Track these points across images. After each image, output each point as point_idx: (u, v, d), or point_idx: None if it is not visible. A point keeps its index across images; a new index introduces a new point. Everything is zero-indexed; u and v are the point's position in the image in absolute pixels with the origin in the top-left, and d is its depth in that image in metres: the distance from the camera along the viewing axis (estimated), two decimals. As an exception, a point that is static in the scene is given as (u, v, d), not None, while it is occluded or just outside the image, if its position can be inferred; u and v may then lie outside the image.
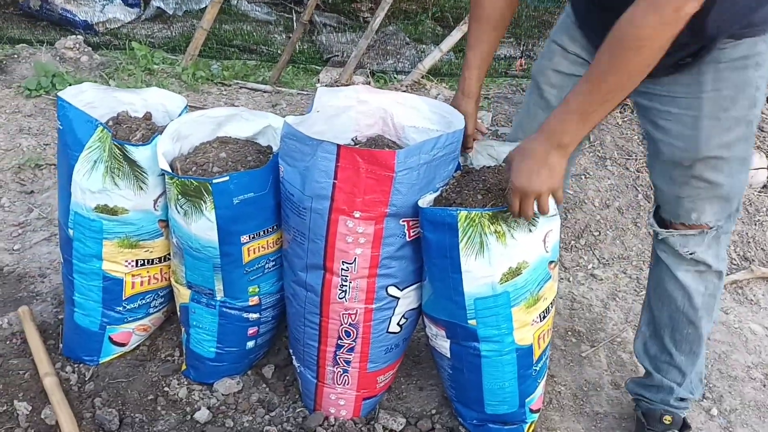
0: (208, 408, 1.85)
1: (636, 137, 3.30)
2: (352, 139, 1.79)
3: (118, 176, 1.73)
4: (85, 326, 1.92)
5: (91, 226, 1.79)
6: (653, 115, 1.59)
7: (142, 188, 1.75)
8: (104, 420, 1.76)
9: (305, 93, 3.96)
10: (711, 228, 1.63)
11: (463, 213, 1.48)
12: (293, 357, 1.87)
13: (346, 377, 1.77)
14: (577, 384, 2.10)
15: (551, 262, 1.65)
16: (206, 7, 4.42)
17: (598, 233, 2.80)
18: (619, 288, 2.57)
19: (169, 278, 1.92)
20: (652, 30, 1.24)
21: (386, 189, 1.50)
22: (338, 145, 1.47)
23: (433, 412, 1.92)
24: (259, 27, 5.62)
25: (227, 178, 1.61)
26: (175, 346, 2.05)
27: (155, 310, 2.00)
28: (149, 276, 1.91)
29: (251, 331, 1.87)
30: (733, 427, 2.01)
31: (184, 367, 1.95)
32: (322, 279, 1.63)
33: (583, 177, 2.98)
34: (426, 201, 1.56)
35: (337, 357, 1.74)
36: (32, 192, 2.77)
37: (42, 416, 1.76)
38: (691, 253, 1.66)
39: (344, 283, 1.61)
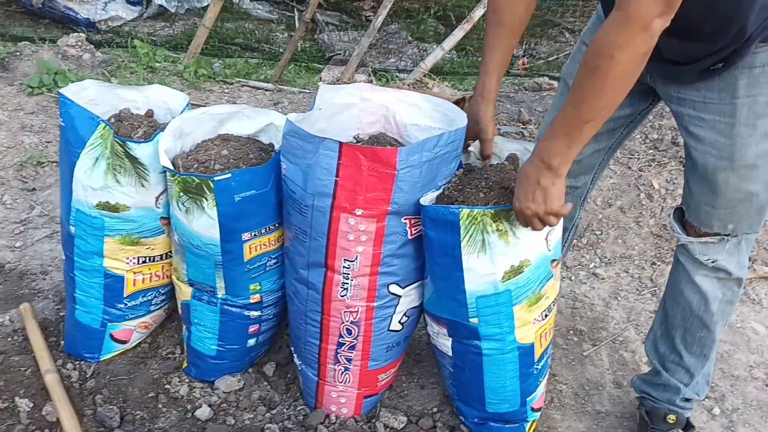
0: (209, 405, 1.85)
1: (638, 137, 3.29)
2: (354, 137, 1.79)
3: (120, 173, 1.73)
4: (86, 323, 1.92)
5: (93, 223, 1.79)
6: (686, 122, 1.55)
7: (143, 185, 1.75)
8: (105, 417, 1.76)
9: (307, 91, 3.96)
10: (735, 236, 1.60)
11: (465, 211, 1.48)
12: (294, 355, 1.86)
13: (347, 375, 1.77)
14: (579, 383, 2.09)
15: (553, 260, 1.65)
16: (208, 5, 4.42)
17: (600, 232, 2.79)
18: (621, 287, 2.56)
19: (171, 275, 1.92)
20: (623, 43, 1.21)
21: (388, 187, 1.50)
22: (340, 143, 1.47)
23: (435, 410, 1.91)
24: (261, 25, 5.62)
25: (229, 175, 1.61)
26: (176, 343, 2.05)
27: (156, 307, 2.00)
28: (150, 273, 1.91)
29: (252, 328, 1.87)
30: (734, 427, 2.01)
31: (185, 364, 1.95)
32: (323, 277, 1.63)
33: (585, 176, 2.97)
34: (428, 199, 1.56)
35: (339, 355, 1.74)
36: (34, 189, 2.77)
37: (43, 413, 1.76)
38: (712, 261, 1.63)
39: (346, 281, 1.61)
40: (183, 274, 1.81)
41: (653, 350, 1.85)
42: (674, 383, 1.80)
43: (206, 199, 1.63)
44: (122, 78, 3.78)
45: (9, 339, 2.00)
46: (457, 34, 4.26)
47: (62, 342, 2.00)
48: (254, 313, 1.84)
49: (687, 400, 1.83)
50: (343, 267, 1.59)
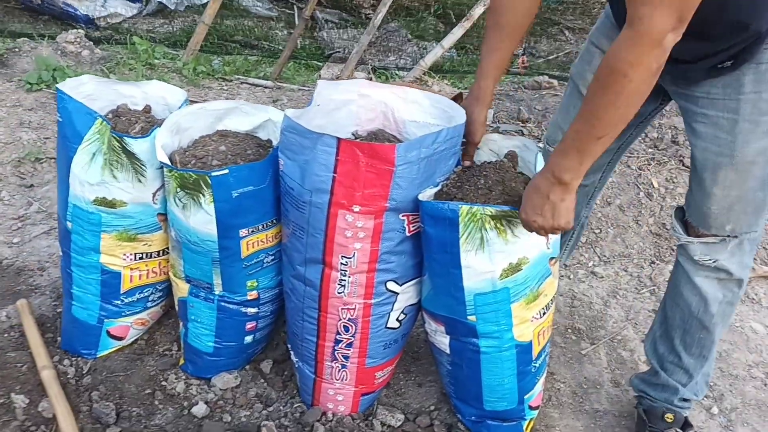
0: (206, 402, 1.84)
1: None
2: (353, 133, 1.78)
3: (117, 169, 1.72)
4: (83, 319, 1.91)
5: (90, 218, 1.78)
6: (689, 118, 1.54)
7: (140, 181, 1.74)
8: (101, 413, 1.75)
9: (306, 89, 3.95)
10: (735, 237, 1.59)
11: (464, 208, 1.47)
12: (291, 352, 1.86)
13: (344, 372, 1.76)
14: (577, 381, 2.09)
15: (552, 258, 1.64)
16: (208, 2, 4.41)
17: (599, 231, 2.79)
18: (619, 286, 2.56)
19: (168, 272, 1.91)
20: (635, 61, 1.21)
21: (386, 183, 1.49)
22: (338, 139, 1.46)
23: (432, 408, 1.91)
24: (260, 22, 5.62)
25: (226, 171, 1.60)
26: (173, 340, 2.05)
27: (153, 304, 1.99)
28: (147, 270, 1.90)
29: (249, 325, 1.87)
30: (733, 426, 2.00)
31: (182, 361, 1.95)
32: (321, 273, 1.62)
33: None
34: (426, 195, 1.55)
35: (336, 352, 1.73)
36: (32, 186, 2.77)
37: (39, 409, 1.75)
38: (714, 261, 1.62)
39: (343, 278, 1.60)
40: (180, 270, 1.80)
41: (652, 350, 1.84)
42: (673, 383, 1.80)
43: (203, 195, 1.62)
44: (121, 75, 3.77)
45: (6, 335, 1.99)
46: (457, 33, 4.25)
47: (59, 338, 2.00)
48: (251, 310, 1.84)
49: (685, 400, 1.83)
50: (341, 264, 1.59)
